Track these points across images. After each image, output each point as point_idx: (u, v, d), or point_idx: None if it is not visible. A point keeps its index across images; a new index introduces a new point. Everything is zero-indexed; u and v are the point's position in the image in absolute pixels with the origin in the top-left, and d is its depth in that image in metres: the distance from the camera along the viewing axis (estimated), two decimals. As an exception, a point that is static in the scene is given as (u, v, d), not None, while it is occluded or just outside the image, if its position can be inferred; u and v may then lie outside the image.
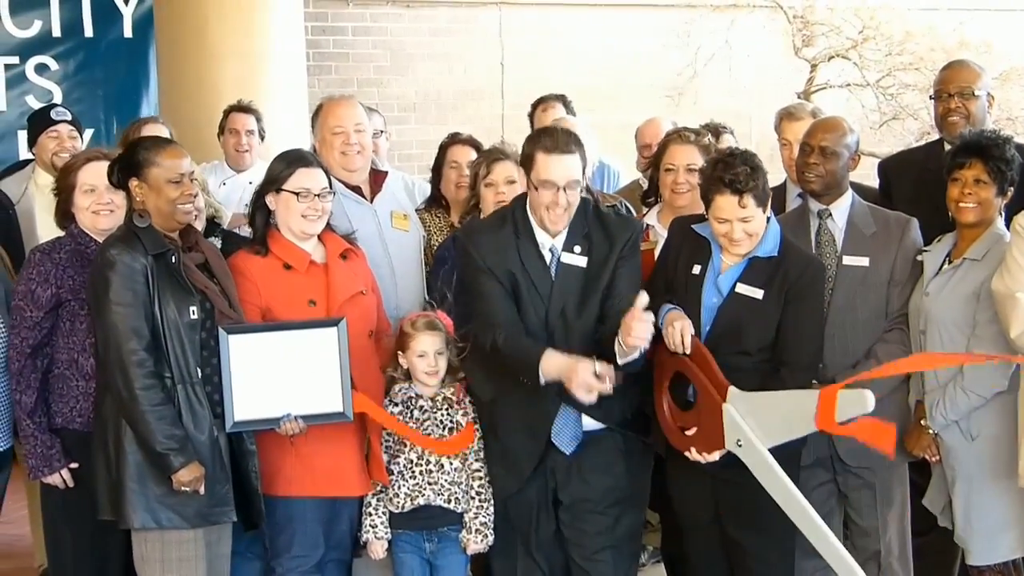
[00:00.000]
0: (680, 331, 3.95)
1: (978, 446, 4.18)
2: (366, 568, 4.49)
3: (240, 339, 4.06)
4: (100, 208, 4.33)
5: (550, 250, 4.21)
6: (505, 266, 4.17)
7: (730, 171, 3.97)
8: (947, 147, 4.71)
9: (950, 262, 4.26)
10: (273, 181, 4.32)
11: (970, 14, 10.06)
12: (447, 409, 4.36)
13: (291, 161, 4.35)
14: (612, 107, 9.47)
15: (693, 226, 4.22)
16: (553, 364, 3.95)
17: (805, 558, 4.25)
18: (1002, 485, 4.16)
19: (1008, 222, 4.19)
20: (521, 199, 4.29)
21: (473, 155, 5.50)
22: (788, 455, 4.07)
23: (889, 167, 5.22)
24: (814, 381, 4.10)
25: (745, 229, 4.02)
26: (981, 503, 4.21)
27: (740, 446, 3.84)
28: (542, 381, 3.97)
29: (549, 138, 4.10)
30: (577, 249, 4.18)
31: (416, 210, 5.52)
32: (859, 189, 4.70)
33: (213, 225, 4.76)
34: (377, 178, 5.06)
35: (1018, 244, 4.01)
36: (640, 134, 6.37)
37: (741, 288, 4.06)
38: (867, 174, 8.62)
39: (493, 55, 10.26)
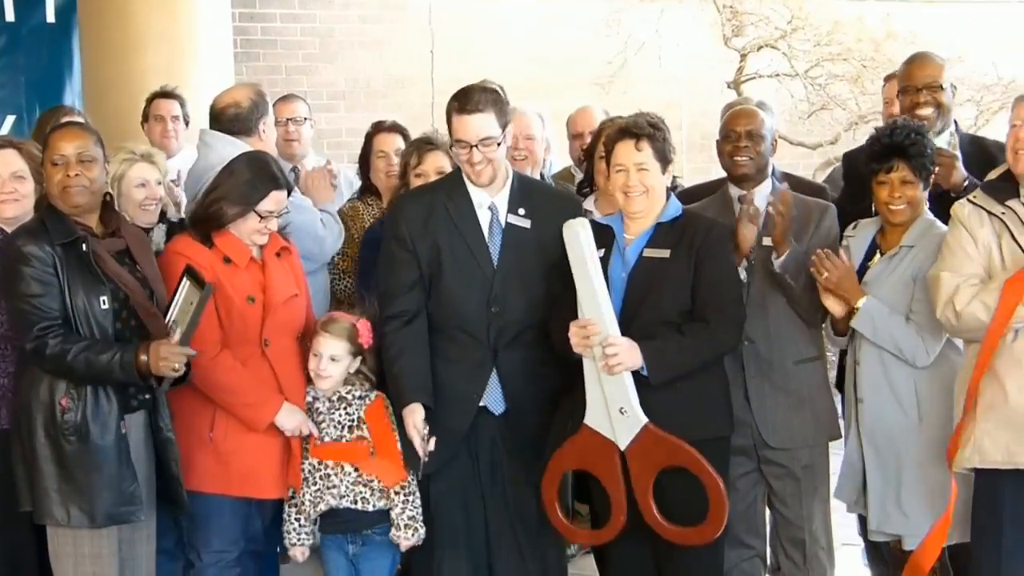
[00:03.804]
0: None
1: (924, 429, 4.17)
2: (300, 567, 4.47)
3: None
4: (5, 197, 4.20)
5: (488, 208, 4.21)
6: (431, 235, 4.16)
7: (630, 122, 4.09)
8: None
9: (881, 253, 4.30)
10: (244, 199, 4.19)
11: (897, 5, 10.15)
12: (345, 408, 4.27)
13: (265, 181, 4.22)
14: (542, 95, 9.38)
15: (596, 219, 4.25)
16: (408, 408, 4.09)
17: (731, 547, 4.27)
18: (944, 469, 4.09)
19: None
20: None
21: (400, 142, 5.44)
22: (716, 441, 4.08)
23: (856, 157, 5.12)
24: None
25: (642, 180, 4.02)
26: (921, 488, 4.18)
27: (624, 413, 3.89)
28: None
29: (462, 97, 4.14)
30: (521, 211, 4.21)
31: (349, 200, 5.49)
32: (796, 182, 4.72)
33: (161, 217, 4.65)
34: None
35: (951, 231, 4.05)
36: (572, 123, 6.34)
37: (648, 252, 4.06)
38: (797, 163, 8.73)
39: (423, 43, 10.21)
